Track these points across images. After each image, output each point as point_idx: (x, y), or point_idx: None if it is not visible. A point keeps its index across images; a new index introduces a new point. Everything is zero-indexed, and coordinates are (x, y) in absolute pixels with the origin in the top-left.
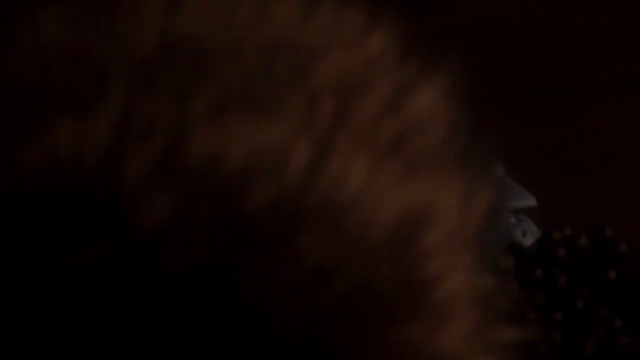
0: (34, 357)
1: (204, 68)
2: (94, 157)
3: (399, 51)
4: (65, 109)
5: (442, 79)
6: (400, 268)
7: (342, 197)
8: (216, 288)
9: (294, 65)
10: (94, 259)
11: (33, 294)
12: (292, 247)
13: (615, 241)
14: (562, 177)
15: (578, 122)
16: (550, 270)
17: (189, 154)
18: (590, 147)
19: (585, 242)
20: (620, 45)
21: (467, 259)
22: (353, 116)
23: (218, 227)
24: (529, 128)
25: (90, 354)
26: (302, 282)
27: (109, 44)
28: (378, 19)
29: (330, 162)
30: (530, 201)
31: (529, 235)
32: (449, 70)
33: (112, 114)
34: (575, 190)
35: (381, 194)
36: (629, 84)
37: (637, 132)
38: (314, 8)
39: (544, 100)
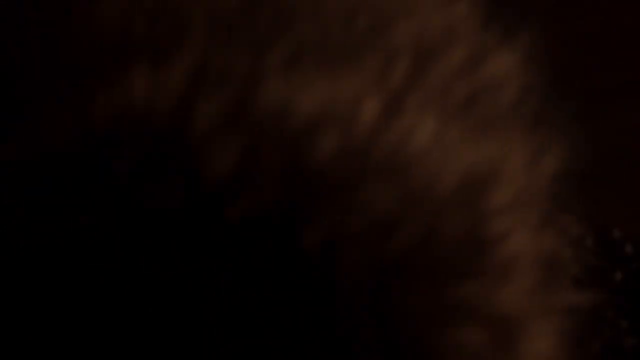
0: (117, 286)
1: (283, 22)
2: (166, 105)
3: (480, 18)
4: (142, 58)
5: (520, 45)
6: (464, 225)
7: (409, 153)
8: (280, 237)
9: (374, 24)
10: (163, 205)
11: (105, 235)
12: (356, 199)
13: (621, 243)
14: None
15: (586, 123)
16: None
17: (259, 104)
18: (598, 149)
19: (592, 243)
20: (628, 48)
21: (532, 219)
22: (427, 77)
23: (283, 176)
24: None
25: (161, 296)
26: (365, 234)
27: None
28: None
29: (399, 119)
30: None
31: None
32: (528, 37)
33: (188, 63)
34: (583, 191)
35: (448, 151)
36: (634, 85)
37: None
38: None
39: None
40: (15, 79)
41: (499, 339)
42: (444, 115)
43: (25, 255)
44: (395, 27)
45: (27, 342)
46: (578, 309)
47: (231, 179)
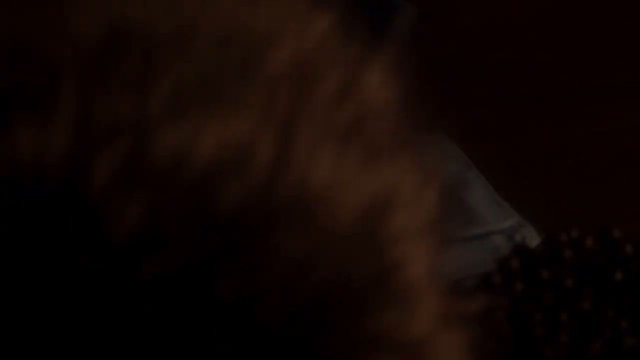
0: None
1: (157, 58)
2: (56, 164)
3: (342, 33)
4: (20, 112)
5: (386, 59)
6: (369, 255)
7: (311, 189)
8: (197, 289)
9: (248, 53)
10: (67, 271)
11: (5, 311)
12: (268, 243)
13: (622, 243)
14: (571, 177)
15: (587, 123)
16: (556, 272)
17: (156, 154)
18: (599, 149)
19: (592, 243)
20: (628, 48)
21: (430, 241)
22: (311, 103)
23: (193, 227)
24: (537, 129)
25: None
26: (281, 277)
27: (55, 35)
28: (318, 1)
29: (294, 155)
30: (514, 219)
31: (528, 240)
32: (392, 50)
33: (69, 114)
34: (583, 191)
35: (347, 182)
36: (634, 85)
37: None
38: None
39: (552, 102)
40: None
41: None
42: (337, 142)
43: None
44: (268, 56)
45: None
46: (476, 316)
47: (138, 237)
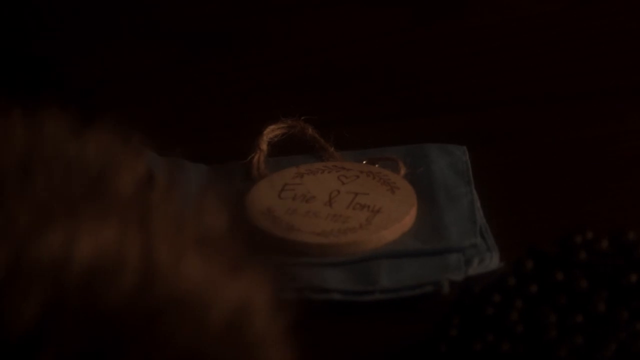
0: None
1: (8, 186)
2: None
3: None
4: None
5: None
6: (238, 353)
7: (183, 287)
8: None
9: (92, 179)
10: None
11: None
12: (155, 334)
13: (637, 245)
14: (584, 179)
15: (600, 125)
16: (571, 274)
17: (36, 257)
18: (612, 151)
19: (607, 245)
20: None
21: (286, 347)
22: (160, 219)
23: (85, 323)
24: (548, 131)
25: None
26: None
27: None
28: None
29: (160, 257)
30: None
31: (481, 265)
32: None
33: None
34: (599, 192)
35: (215, 283)
36: None
37: None
38: (79, 129)
39: (562, 104)
40: None
41: None
42: (195, 253)
43: None
44: (112, 186)
45: None
46: None
47: (36, 331)
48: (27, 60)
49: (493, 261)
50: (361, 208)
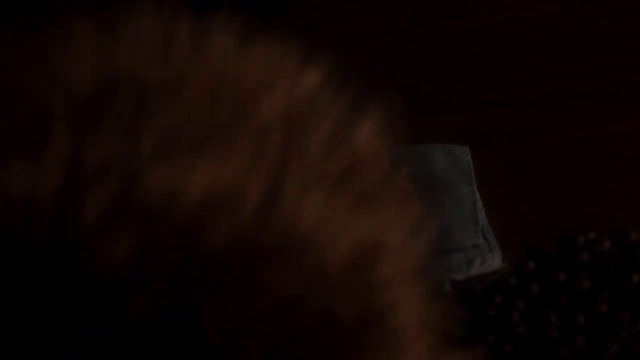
0: None
1: (148, 104)
2: (46, 201)
3: (333, 85)
4: (11, 153)
5: (376, 112)
6: (358, 299)
7: (299, 231)
8: (181, 329)
9: (238, 102)
10: (55, 307)
11: None
12: (254, 283)
13: (639, 246)
14: (586, 179)
15: (600, 125)
16: (573, 274)
17: (145, 193)
18: (614, 151)
19: (609, 246)
20: (636, 49)
21: (418, 288)
22: (301, 150)
23: (180, 266)
24: (549, 130)
25: None
26: (266, 317)
27: (46, 82)
28: (310, 55)
29: (284, 196)
30: (481, 240)
31: (484, 266)
32: (383, 103)
33: (60, 155)
34: (600, 192)
35: (335, 225)
36: None
37: None
38: (249, 43)
39: (563, 104)
40: None
41: None
42: (326, 188)
43: None
44: (258, 104)
45: None
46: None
47: (126, 273)
48: None
49: (495, 261)
50: None
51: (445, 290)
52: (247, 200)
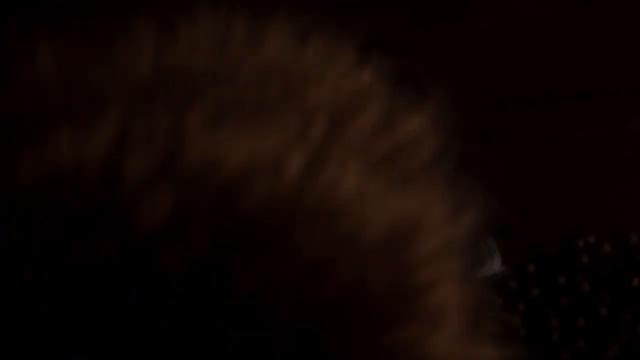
0: (34, 356)
1: (198, 87)
2: (93, 163)
3: (387, 85)
4: (64, 124)
5: (429, 108)
6: (394, 272)
7: (336, 200)
8: (214, 285)
9: (287, 88)
10: (96, 259)
11: (35, 294)
12: (288, 245)
13: (638, 248)
14: (586, 180)
15: (600, 126)
16: (573, 277)
17: (187, 158)
18: (612, 152)
19: (609, 249)
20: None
21: (456, 268)
22: (344, 134)
23: (216, 225)
24: (549, 131)
25: (91, 353)
26: (298, 279)
27: (105, 72)
28: (367, 56)
29: (324, 169)
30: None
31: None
32: (436, 101)
33: (110, 127)
34: (600, 193)
35: (374, 200)
36: None
37: None
38: (305, 42)
39: (564, 104)
40: None
41: None
42: (366, 169)
43: None
44: (308, 91)
45: None
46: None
47: (164, 229)
48: None
49: (494, 264)
50: None
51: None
52: (287, 167)
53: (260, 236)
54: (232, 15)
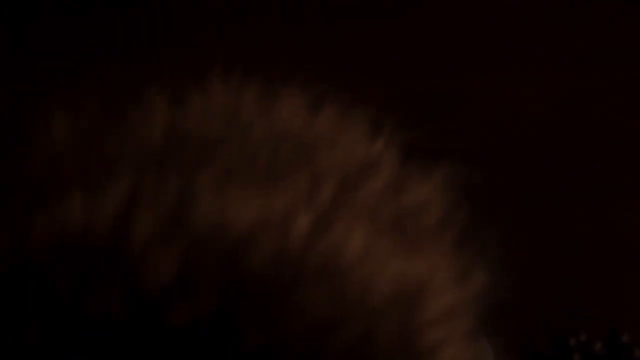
0: None
1: (210, 150)
2: (103, 224)
3: (398, 154)
4: (76, 187)
5: (439, 175)
6: (399, 333)
7: (342, 260)
8: (221, 341)
9: (298, 152)
10: (104, 316)
11: (46, 350)
12: (293, 302)
13: (630, 347)
14: (579, 279)
15: (595, 222)
16: None
17: (194, 218)
18: (606, 251)
19: (601, 347)
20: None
21: (461, 331)
22: (353, 198)
23: (223, 283)
24: (546, 226)
25: None
26: (303, 336)
27: (118, 137)
28: (380, 126)
29: (331, 229)
30: None
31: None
32: (446, 168)
33: (120, 189)
34: (592, 294)
35: (380, 261)
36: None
37: None
38: (318, 110)
39: (565, 200)
40: None
41: None
42: (373, 232)
43: None
44: (319, 156)
45: None
46: None
47: (172, 286)
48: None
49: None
50: None
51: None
52: (294, 227)
53: (267, 294)
54: (244, 81)
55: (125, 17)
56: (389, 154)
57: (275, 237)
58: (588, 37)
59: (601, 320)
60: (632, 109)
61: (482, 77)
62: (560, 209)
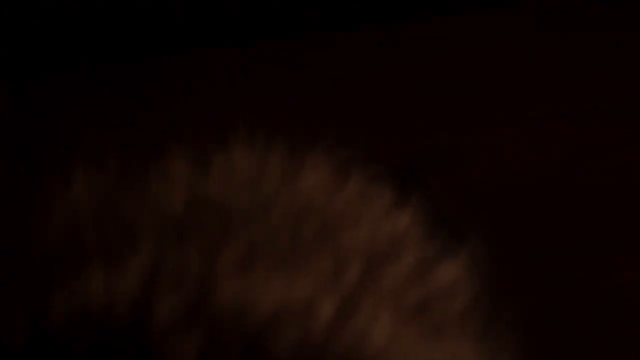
0: None
1: (231, 225)
2: (124, 304)
3: (424, 228)
4: (96, 259)
5: (464, 254)
6: None
7: (367, 349)
8: None
9: (322, 229)
10: None
11: None
12: None
13: None
14: (578, 341)
15: (594, 281)
16: None
17: (218, 302)
18: (601, 311)
19: None
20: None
21: None
22: (379, 280)
23: None
24: (543, 287)
25: None
26: None
27: (139, 205)
28: (405, 197)
29: (356, 316)
30: None
31: None
32: (471, 246)
33: (142, 265)
34: (599, 347)
35: (405, 349)
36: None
37: None
38: (343, 181)
39: (557, 259)
40: None
41: None
42: (398, 318)
43: None
44: (343, 235)
45: None
46: None
47: None
48: None
49: None
50: None
51: None
52: (318, 314)
53: None
54: (268, 147)
55: (144, 68)
56: (414, 229)
57: (298, 323)
58: (588, 91)
59: None
60: (632, 163)
61: (489, 131)
62: (559, 266)
